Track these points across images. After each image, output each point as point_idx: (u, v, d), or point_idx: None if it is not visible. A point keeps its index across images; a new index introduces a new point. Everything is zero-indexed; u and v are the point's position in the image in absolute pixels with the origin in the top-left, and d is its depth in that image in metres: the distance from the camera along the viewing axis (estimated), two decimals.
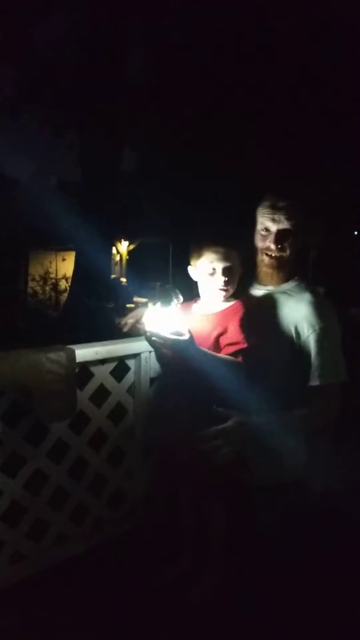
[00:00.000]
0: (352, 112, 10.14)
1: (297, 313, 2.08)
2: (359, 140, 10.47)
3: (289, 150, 10.58)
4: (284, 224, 2.08)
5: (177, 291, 1.99)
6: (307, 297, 2.11)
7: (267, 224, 2.10)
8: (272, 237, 2.10)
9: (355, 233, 15.72)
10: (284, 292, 2.15)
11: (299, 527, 2.19)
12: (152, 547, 2.45)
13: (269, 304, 2.14)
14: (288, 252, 2.11)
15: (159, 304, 1.96)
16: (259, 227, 2.14)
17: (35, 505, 2.25)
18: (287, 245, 2.11)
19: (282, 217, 2.07)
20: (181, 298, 1.99)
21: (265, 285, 2.20)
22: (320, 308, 2.09)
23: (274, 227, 2.09)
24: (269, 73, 9.92)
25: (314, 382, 2.05)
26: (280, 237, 2.10)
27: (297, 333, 2.07)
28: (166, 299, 1.96)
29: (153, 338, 2.01)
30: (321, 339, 2.05)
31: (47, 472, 2.28)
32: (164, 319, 1.96)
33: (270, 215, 2.09)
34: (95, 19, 10.18)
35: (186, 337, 1.93)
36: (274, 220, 2.08)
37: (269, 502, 2.13)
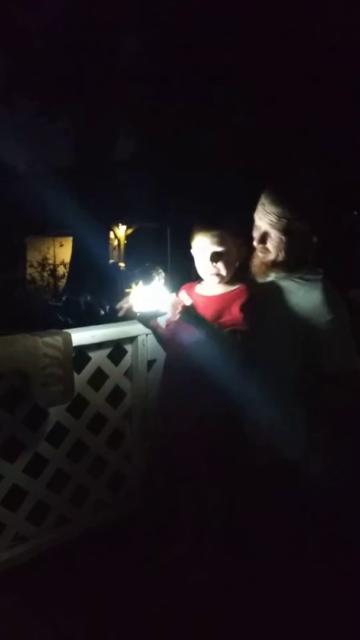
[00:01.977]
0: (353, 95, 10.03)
1: (308, 303, 2.04)
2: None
3: (288, 133, 10.48)
4: (274, 226, 2.02)
5: (159, 269, 1.98)
6: (318, 286, 2.06)
7: (258, 223, 2.06)
8: (258, 238, 2.07)
9: (355, 213, 15.60)
10: (294, 281, 2.10)
11: (298, 508, 2.21)
12: (151, 529, 2.47)
13: (278, 291, 2.10)
14: (281, 254, 2.05)
15: (140, 283, 1.97)
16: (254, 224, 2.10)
17: (35, 488, 2.27)
18: (282, 246, 2.04)
19: (274, 209, 2.01)
20: (163, 274, 1.98)
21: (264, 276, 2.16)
22: (331, 298, 2.05)
23: (261, 227, 2.05)
24: (265, 57, 9.81)
25: (328, 367, 2.04)
26: (265, 238, 2.05)
27: (309, 322, 2.04)
28: (147, 277, 1.96)
29: (138, 315, 2.04)
30: (334, 328, 2.03)
31: (46, 455, 2.29)
32: (147, 297, 1.97)
33: (263, 216, 2.04)
34: (89, 5, 10.08)
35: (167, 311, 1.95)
36: (261, 220, 2.05)
37: (268, 482, 2.15)
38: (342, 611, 2.07)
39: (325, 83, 9.90)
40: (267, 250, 2.07)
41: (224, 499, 2.18)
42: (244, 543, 2.26)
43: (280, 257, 2.07)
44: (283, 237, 2.03)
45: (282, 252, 2.05)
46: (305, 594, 2.11)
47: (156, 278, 1.97)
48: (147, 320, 2.16)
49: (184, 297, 1.98)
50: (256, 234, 2.08)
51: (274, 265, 2.10)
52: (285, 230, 2.01)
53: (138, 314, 2.04)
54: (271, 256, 2.08)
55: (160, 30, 10.26)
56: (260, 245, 2.08)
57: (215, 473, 2.14)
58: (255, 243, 2.08)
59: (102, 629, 1.99)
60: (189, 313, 1.95)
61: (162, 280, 1.98)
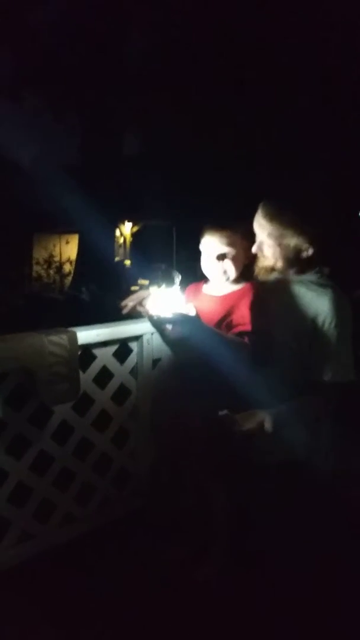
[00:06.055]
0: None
1: (315, 308, 2.01)
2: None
3: (293, 137, 10.44)
4: (269, 237, 2.02)
5: (177, 273, 1.99)
6: (327, 293, 2.03)
7: (256, 230, 2.06)
8: (256, 245, 2.06)
9: None
10: (302, 282, 2.08)
11: (301, 506, 2.21)
12: (156, 527, 2.48)
13: (286, 293, 2.08)
14: (279, 261, 2.05)
15: (163, 286, 1.97)
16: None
17: (41, 486, 2.28)
18: (278, 254, 2.04)
19: (266, 224, 2.01)
20: (180, 278, 2.00)
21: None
22: (339, 306, 2.02)
23: (259, 236, 2.05)
24: (273, 55, 9.78)
25: (324, 377, 2.00)
26: (262, 246, 2.05)
27: (313, 327, 2.01)
28: (169, 281, 1.97)
29: (154, 318, 2.02)
30: (337, 337, 2.00)
31: (52, 453, 2.31)
32: (168, 301, 1.97)
33: (259, 227, 2.04)
34: (96, 1, 10.06)
35: (191, 315, 1.95)
36: (257, 229, 2.04)
37: (272, 481, 2.15)
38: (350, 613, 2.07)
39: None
40: (265, 256, 2.08)
41: (230, 498, 2.19)
42: (249, 542, 2.27)
43: (279, 264, 2.06)
44: (277, 248, 2.02)
45: (279, 259, 2.05)
46: (307, 590, 2.12)
47: (177, 282, 1.98)
48: (160, 324, 2.16)
49: (190, 308, 1.98)
50: (256, 240, 2.07)
51: (273, 270, 2.10)
52: (278, 244, 2.01)
53: (155, 317, 2.04)
54: (269, 262, 2.08)
55: (169, 27, 10.21)
56: (259, 252, 2.08)
57: (220, 471, 2.14)
58: (254, 249, 2.08)
59: (106, 627, 2.00)
60: (195, 325, 1.95)
61: (179, 285, 2.00)
